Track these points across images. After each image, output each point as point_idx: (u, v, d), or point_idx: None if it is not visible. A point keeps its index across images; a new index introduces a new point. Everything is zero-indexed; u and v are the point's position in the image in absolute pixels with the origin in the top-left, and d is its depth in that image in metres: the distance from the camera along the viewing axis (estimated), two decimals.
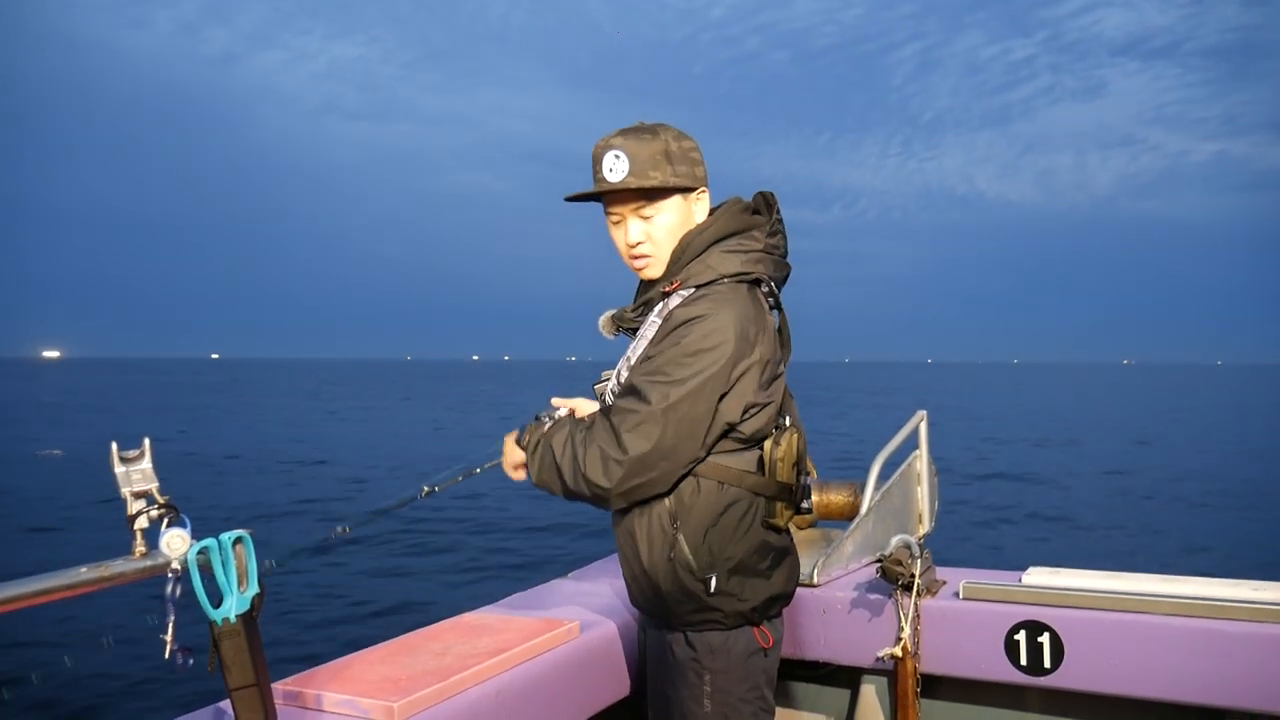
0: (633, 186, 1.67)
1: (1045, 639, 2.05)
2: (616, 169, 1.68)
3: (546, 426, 1.74)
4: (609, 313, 1.84)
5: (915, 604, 2.15)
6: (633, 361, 1.71)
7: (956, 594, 2.21)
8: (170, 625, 1.26)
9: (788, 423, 1.75)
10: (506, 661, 1.82)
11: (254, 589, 1.34)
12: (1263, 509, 14.68)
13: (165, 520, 1.30)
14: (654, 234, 1.73)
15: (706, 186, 1.76)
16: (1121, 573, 2.22)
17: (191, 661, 1.28)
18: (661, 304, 1.72)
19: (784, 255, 1.79)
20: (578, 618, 2.11)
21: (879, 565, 2.14)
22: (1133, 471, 19.36)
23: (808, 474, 1.79)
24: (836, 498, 2.66)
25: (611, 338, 1.84)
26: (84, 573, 1.23)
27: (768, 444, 1.69)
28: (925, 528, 2.72)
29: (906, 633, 2.14)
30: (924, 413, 2.71)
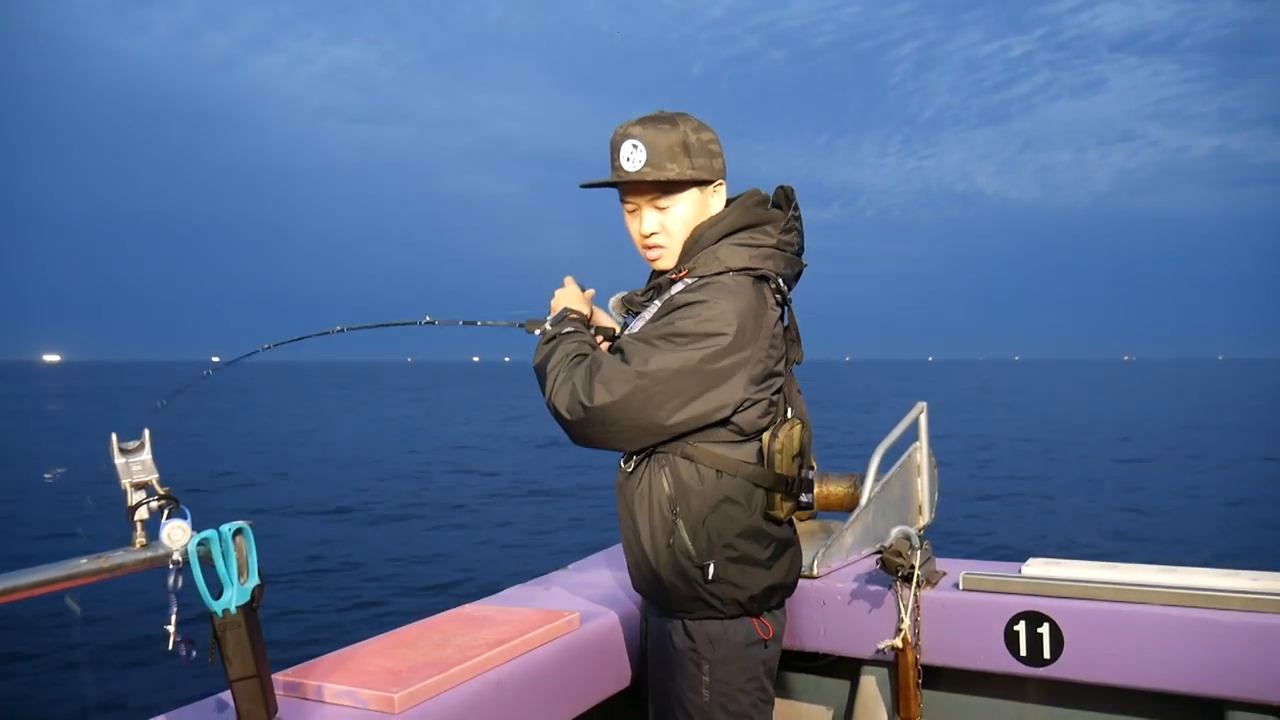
0: (649, 179, 1.67)
1: (1045, 630, 2.05)
2: (634, 159, 1.67)
3: (568, 329, 1.75)
4: (620, 294, 1.84)
5: (915, 595, 2.15)
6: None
7: (956, 585, 2.22)
8: (173, 617, 1.26)
9: (790, 415, 1.75)
10: (507, 653, 1.82)
11: (254, 580, 1.34)
12: (1261, 499, 14.71)
13: (165, 511, 1.30)
14: (669, 225, 1.73)
15: (724, 179, 1.76)
16: (1121, 563, 2.22)
17: (194, 653, 1.28)
18: (667, 290, 1.73)
19: (798, 252, 1.78)
20: (578, 609, 2.12)
21: (879, 556, 2.15)
22: (1132, 463, 19.38)
23: (811, 468, 1.79)
24: (836, 489, 2.66)
25: (623, 318, 1.84)
26: (84, 564, 1.23)
27: (766, 436, 1.69)
28: (925, 519, 2.72)
29: (906, 624, 2.15)
30: (924, 404, 2.71)
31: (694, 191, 1.71)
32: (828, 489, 2.67)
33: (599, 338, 1.83)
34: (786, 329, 1.76)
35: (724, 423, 1.65)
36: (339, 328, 1.94)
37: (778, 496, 1.70)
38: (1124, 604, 2.02)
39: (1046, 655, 2.06)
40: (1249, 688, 1.89)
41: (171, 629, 1.25)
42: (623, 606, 2.18)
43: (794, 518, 1.81)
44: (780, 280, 1.72)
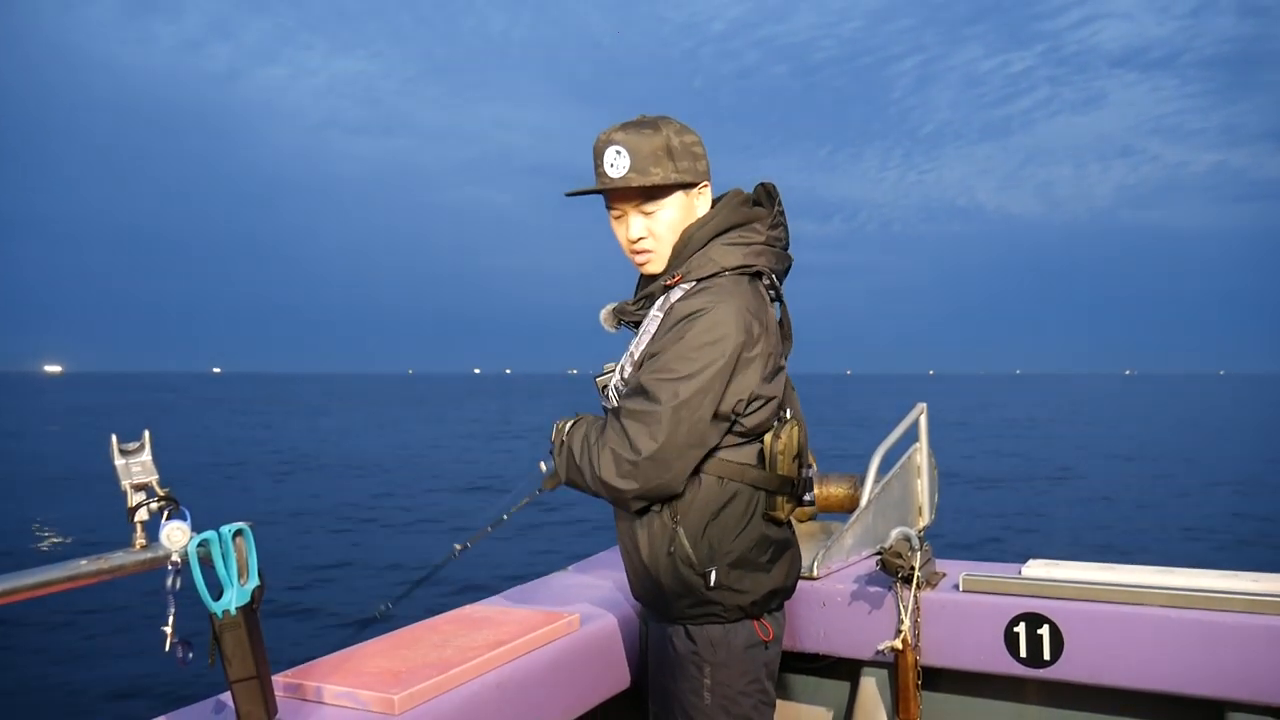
0: (634, 184, 1.66)
1: (1045, 631, 2.05)
2: (618, 165, 1.67)
3: (569, 425, 1.74)
4: (610, 306, 1.83)
5: (915, 596, 2.15)
6: (635, 356, 1.70)
7: (956, 586, 2.22)
8: (170, 618, 1.26)
9: (788, 415, 1.74)
10: (507, 654, 1.82)
11: (254, 581, 1.34)
12: (1261, 501, 14.69)
13: (165, 513, 1.30)
14: (656, 229, 1.72)
15: (709, 180, 1.76)
16: (1121, 565, 2.22)
17: (191, 655, 1.28)
18: (663, 298, 1.72)
19: (785, 247, 1.78)
20: (578, 610, 2.12)
21: (879, 558, 2.15)
22: (1133, 466, 19.36)
23: (810, 466, 1.79)
24: (836, 490, 2.66)
25: (613, 331, 1.83)
26: (84, 565, 1.22)
27: (768, 437, 1.68)
28: (925, 520, 2.72)
29: (906, 625, 2.14)
30: (924, 405, 2.70)
31: (679, 195, 1.71)
32: (828, 490, 2.67)
33: None
34: (781, 324, 1.76)
35: (731, 425, 1.64)
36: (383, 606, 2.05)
37: (779, 498, 1.70)
38: (1124, 605, 2.02)
39: (1046, 657, 2.05)
40: (1249, 689, 1.88)
41: (169, 630, 1.25)
42: (622, 608, 2.18)
43: (793, 519, 1.81)
44: (773, 276, 1.73)
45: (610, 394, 1.74)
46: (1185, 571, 2.12)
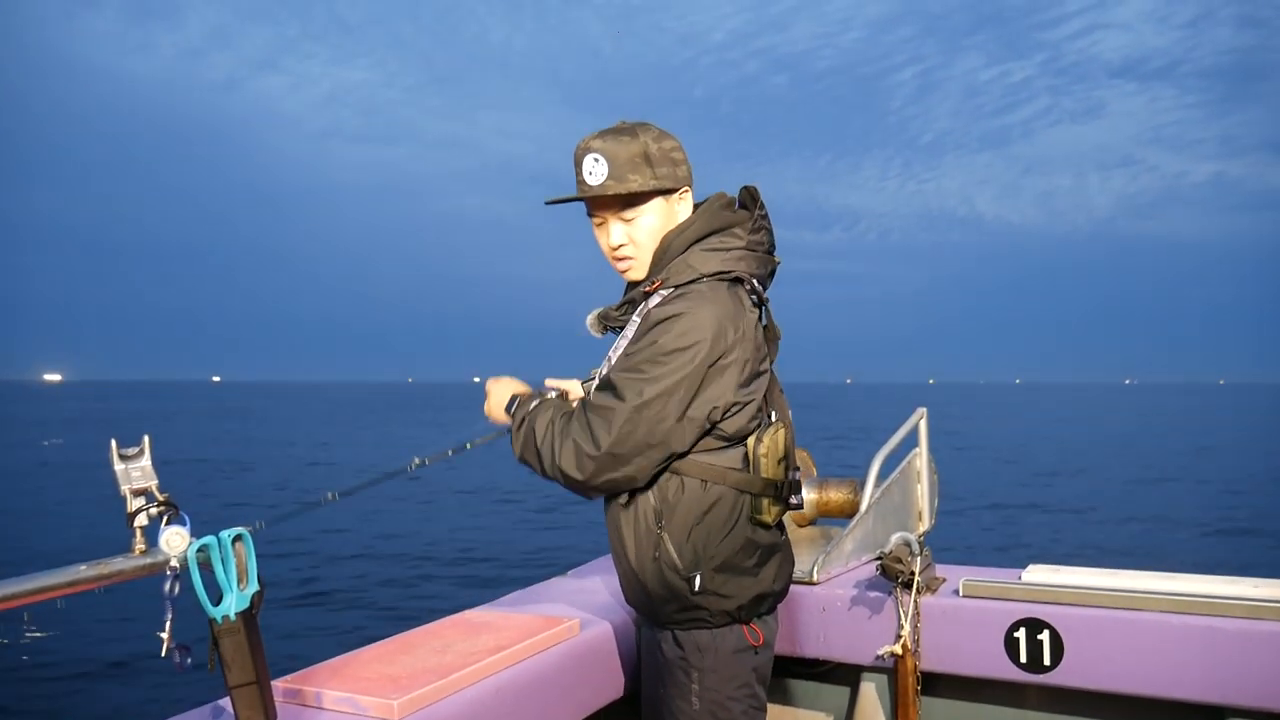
0: (611, 192, 1.67)
1: (1045, 636, 2.05)
2: (596, 172, 1.67)
3: (533, 405, 1.74)
4: (595, 311, 1.84)
5: (915, 601, 2.15)
6: (613, 360, 1.71)
7: (956, 591, 2.21)
8: (168, 623, 1.26)
9: (774, 418, 1.74)
10: (506, 659, 1.82)
11: (254, 586, 1.34)
12: (1262, 507, 14.68)
13: (165, 518, 1.30)
14: (636, 236, 1.72)
15: (690, 185, 1.76)
16: (1121, 570, 2.22)
17: (190, 660, 1.28)
18: (643, 304, 1.73)
19: (769, 250, 1.77)
20: (577, 616, 2.11)
21: (879, 563, 2.14)
22: (1133, 471, 19.36)
23: (798, 469, 1.79)
24: (836, 495, 2.66)
25: (599, 336, 1.84)
26: (83, 570, 1.22)
27: (751, 440, 1.68)
28: (925, 525, 2.72)
29: (906, 630, 2.14)
30: (924, 410, 2.70)
31: (659, 201, 1.71)
32: (828, 495, 2.67)
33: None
34: (766, 329, 1.76)
35: (710, 429, 1.64)
36: (330, 495, 1.90)
37: (765, 501, 1.69)
38: (1124, 611, 2.01)
39: (1047, 662, 2.05)
40: (1250, 695, 1.88)
41: (166, 635, 1.25)
42: (620, 614, 2.18)
43: (789, 522, 1.80)
44: (755, 281, 1.72)
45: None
46: (1186, 577, 2.12)
